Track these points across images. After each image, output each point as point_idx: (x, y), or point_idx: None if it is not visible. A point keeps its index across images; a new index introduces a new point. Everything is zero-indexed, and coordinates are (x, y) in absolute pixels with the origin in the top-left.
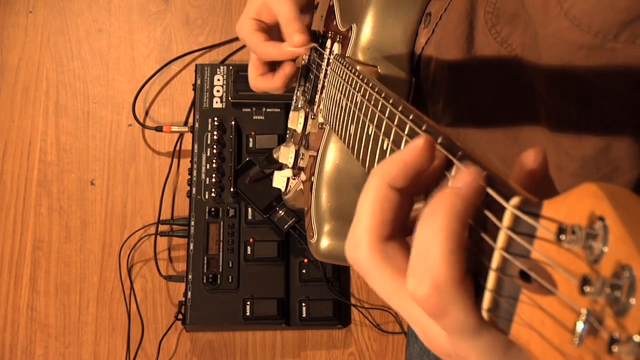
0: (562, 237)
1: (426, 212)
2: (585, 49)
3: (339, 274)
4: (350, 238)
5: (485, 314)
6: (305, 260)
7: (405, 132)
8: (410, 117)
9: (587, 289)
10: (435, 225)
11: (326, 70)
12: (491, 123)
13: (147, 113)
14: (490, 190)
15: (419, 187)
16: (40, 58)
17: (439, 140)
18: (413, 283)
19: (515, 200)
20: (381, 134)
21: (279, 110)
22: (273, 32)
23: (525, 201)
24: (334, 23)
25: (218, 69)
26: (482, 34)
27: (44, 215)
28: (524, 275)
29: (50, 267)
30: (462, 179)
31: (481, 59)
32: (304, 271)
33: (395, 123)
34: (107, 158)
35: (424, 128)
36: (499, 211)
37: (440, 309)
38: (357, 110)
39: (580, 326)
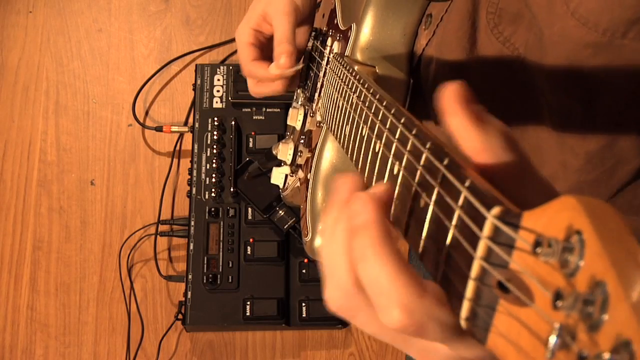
0: (538, 250)
1: (356, 256)
2: (592, 47)
3: None
4: (332, 286)
5: (463, 323)
6: (305, 260)
7: (396, 136)
8: (402, 120)
9: (560, 303)
10: (369, 260)
11: (326, 68)
12: None
13: (147, 113)
14: (472, 199)
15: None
16: (40, 58)
17: (427, 146)
18: (385, 317)
19: (495, 210)
20: (374, 137)
21: (279, 110)
22: (272, 43)
23: (505, 211)
24: (335, 22)
25: (218, 69)
26: (484, 34)
27: (44, 215)
28: (502, 286)
29: (50, 267)
30: (358, 210)
31: (483, 59)
32: (304, 271)
33: (387, 126)
34: (107, 158)
35: (413, 132)
36: (480, 220)
37: (419, 326)
38: (352, 111)
39: (552, 340)
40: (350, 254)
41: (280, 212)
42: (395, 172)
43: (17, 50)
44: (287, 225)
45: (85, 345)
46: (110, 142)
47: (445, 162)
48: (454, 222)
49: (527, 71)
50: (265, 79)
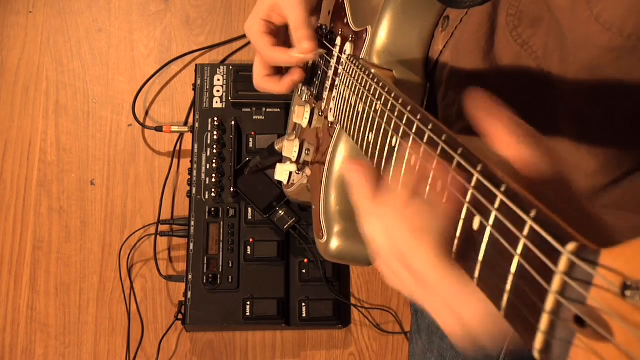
0: (628, 292)
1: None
2: (617, 51)
3: (339, 274)
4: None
5: (537, 354)
6: (305, 260)
7: (437, 152)
8: (443, 137)
9: None
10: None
11: (336, 68)
12: None
13: (147, 113)
14: (541, 231)
15: None
16: (40, 58)
17: (478, 168)
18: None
19: (572, 246)
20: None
21: (279, 110)
22: (281, 33)
23: (582, 247)
24: (345, 21)
25: (218, 69)
26: (502, 36)
27: (44, 215)
28: (578, 320)
29: (50, 267)
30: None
31: (500, 61)
32: (304, 271)
33: (424, 141)
34: (107, 158)
35: (459, 152)
36: (554, 254)
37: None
38: (377, 118)
39: None
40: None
41: (280, 212)
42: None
43: (17, 50)
44: (287, 225)
45: (85, 345)
46: (110, 142)
47: (503, 188)
48: (519, 250)
49: (545, 74)
50: (287, 64)
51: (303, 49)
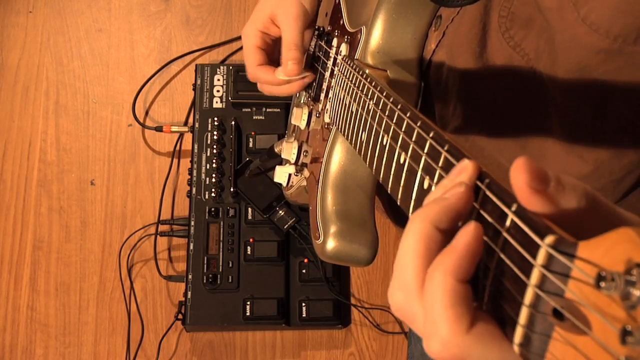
0: (602, 284)
1: (428, 272)
2: (604, 53)
3: (339, 274)
4: (396, 284)
5: (516, 348)
6: (305, 260)
7: (425, 150)
8: (431, 134)
9: (630, 339)
10: (434, 284)
11: (332, 69)
12: (501, 127)
13: (147, 113)
14: (522, 224)
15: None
16: (40, 58)
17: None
18: (425, 343)
19: (550, 239)
20: (397, 147)
21: (279, 110)
22: (277, 44)
23: (560, 240)
24: (341, 22)
25: (218, 69)
26: (495, 38)
27: (44, 215)
28: (557, 313)
29: (50, 267)
30: (460, 236)
31: (493, 63)
32: (304, 271)
33: (413, 139)
34: (107, 158)
35: (445, 148)
36: (533, 247)
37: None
38: (369, 118)
39: None
40: (426, 261)
41: (280, 212)
42: (425, 186)
43: (17, 50)
44: (287, 225)
45: (85, 345)
46: (110, 142)
47: (487, 181)
48: (499, 244)
49: (537, 77)
50: (271, 84)
51: (287, 71)
